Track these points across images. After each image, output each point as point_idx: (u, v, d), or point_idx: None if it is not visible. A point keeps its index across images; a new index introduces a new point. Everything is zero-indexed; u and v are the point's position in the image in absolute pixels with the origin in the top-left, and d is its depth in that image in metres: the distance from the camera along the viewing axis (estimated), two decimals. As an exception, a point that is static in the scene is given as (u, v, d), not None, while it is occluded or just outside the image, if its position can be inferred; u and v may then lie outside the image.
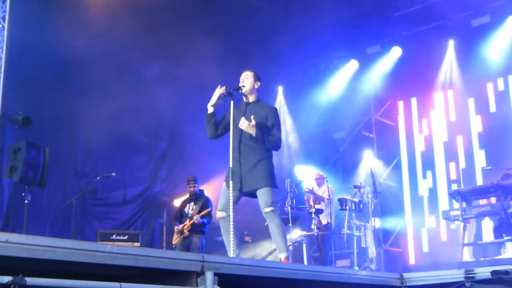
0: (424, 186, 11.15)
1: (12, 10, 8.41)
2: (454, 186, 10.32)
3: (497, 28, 10.46)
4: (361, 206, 9.36)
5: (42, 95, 9.34)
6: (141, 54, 10.28)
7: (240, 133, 4.98)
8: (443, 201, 10.58)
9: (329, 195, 9.08)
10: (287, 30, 11.21)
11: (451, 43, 11.12)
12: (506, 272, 3.93)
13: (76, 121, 9.99)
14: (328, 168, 11.87)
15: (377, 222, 10.34)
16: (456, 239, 8.57)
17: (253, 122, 4.89)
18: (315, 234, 8.93)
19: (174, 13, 9.84)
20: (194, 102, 10.61)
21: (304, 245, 9.14)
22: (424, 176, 11.21)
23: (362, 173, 11.79)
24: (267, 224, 4.99)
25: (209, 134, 5.17)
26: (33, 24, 8.77)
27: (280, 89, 13.19)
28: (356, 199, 9.34)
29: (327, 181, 9.35)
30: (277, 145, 5.03)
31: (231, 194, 4.81)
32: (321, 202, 9.19)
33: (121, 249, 2.76)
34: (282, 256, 4.83)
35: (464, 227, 7.68)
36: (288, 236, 8.72)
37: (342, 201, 9.15)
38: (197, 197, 8.37)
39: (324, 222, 9.05)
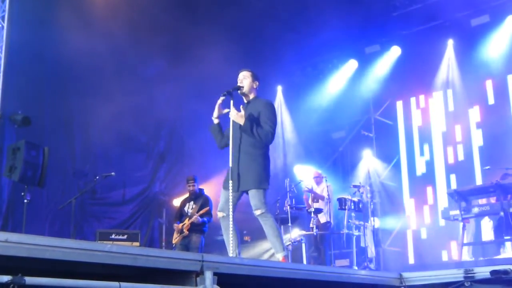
0: (424, 185, 11.16)
1: (12, 10, 8.41)
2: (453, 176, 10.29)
3: (496, 28, 10.47)
4: (360, 205, 9.36)
5: (42, 95, 9.33)
6: (141, 54, 10.28)
7: (240, 133, 4.99)
8: (442, 201, 10.58)
9: (328, 194, 9.08)
10: (286, 30, 11.22)
11: (450, 43, 11.13)
12: (505, 272, 3.93)
13: (76, 120, 9.99)
14: (328, 168, 11.88)
15: (376, 222, 10.34)
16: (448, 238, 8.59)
17: (242, 112, 4.92)
18: (314, 233, 8.93)
19: (173, 14, 9.83)
20: (193, 101, 10.63)
21: (303, 245, 9.13)
22: (425, 175, 11.22)
23: (362, 173, 11.80)
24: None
25: (218, 145, 5.20)
26: (33, 23, 8.76)
27: (279, 88, 13.19)
28: (355, 199, 9.34)
29: (326, 179, 9.34)
30: (267, 137, 4.94)
31: (230, 195, 4.82)
32: (320, 201, 9.18)
33: (121, 249, 2.76)
34: (280, 256, 4.83)
35: (464, 227, 7.68)
36: (288, 236, 8.73)
37: (341, 201, 9.15)
38: (197, 196, 8.38)
39: (323, 220, 9.04)
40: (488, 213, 7.62)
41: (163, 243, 10.59)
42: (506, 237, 7.50)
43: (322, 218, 9.10)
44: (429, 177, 11.14)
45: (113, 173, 8.46)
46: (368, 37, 11.62)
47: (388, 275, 4.59)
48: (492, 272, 4.00)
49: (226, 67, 9.09)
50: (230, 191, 4.81)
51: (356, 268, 8.71)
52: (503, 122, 10.19)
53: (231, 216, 4.81)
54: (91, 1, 9.51)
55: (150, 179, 11.13)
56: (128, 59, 10.06)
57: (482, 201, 7.96)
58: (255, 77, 5.18)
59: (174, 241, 8.24)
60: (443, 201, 10.43)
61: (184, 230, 8.07)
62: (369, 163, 11.81)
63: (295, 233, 9.24)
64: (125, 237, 8.86)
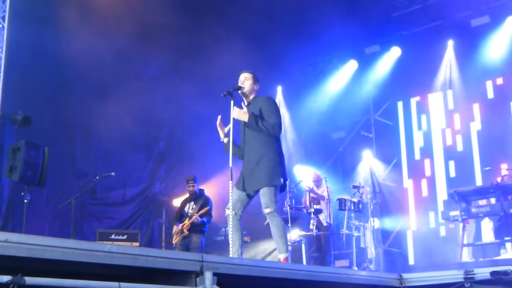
0: (425, 186, 11.16)
1: (12, 10, 8.41)
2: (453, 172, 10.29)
3: (497, 28, 10.47)
4: (360, 206, 9.35)
5: (42, 95, 9.32)
6: (141, 54, 10.29)
7: (244, 134, 5.00)
8: (442, 201, 10.59)
9: (328, 195, 9.08)
10: (286, 30, 11.21)
11: (450, 43, 11.13)
12: (505, 273, 3.93)
13: (76, 121, 9.99)
14: (327, 168, 11.88)
15: (376, 222, 10.34)
16: (454, 238, 8.59)
17: (245, 109, 4.93)
18: (314, 234, 8.93)
19: (174, 15, 9.83)
20: (193, 102, 10.63)
21: (303, 245, 9.13)
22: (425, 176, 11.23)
23: (361, 173, 11.79)
24: (267, 223, 4.99)
25: (240, 158, 5.10)
26: (33, 23, 8.76)
27: (279, 89, 13.19)
28: (355, 199, 9.33)
29: (326, 180, 9.35)
30: (274, 128, 4.91)
31: (230, 195, 4.83)
32: (321, 201, 9.18)
33: (120, 249, 2.76)
34: (282, 257, 4.83)
35: (464, 228, 7.68)
36: (287, 236, 8.72)
37: (341, 201, 9.14)
38: (197, 196, 8.37)
39: (325, 223, 9.03)
40: (488, 214, 7.62)
41: (163, 243, 10.59)
42: (506, 238, 7.50)
43: (324, 220, 9.09)
44: (430, 177, 11.14)
45: (113, 173, 8.45)
46: (368, 37, 11.62)
47: (388, 276, 4.58)
48: (493, 273, 4.00)
49: (226, 67, 9.09)
50: (230, 191, 4.83)
51: (356, 268, 8.70)
52: (503, 122, 10.19)
53: (231, 217, 4.82)
54: (91, 1, 9.51)
55: (150, 179, 11.13)
56: (129, 59, 10.06)
57: (482, 202, 7.97)
58: (256, 79, 5.21)
59: (174, 242, 8.23)
60: (443, 201, 10.45)
61: (184, 230, 8.07)
62: (369, 164, 11.81)
63: (295, 233, 9.23)
64: (125, 237, 8.86)
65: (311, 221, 8.90)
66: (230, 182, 4.84)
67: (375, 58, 11.94)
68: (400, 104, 11.84)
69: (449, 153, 10.97)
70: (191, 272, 3.00)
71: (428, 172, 11.18)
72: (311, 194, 9.18)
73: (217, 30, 10.60)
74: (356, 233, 9.23)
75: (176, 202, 10.13)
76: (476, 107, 10.72)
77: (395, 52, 11.69)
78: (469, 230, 8.13)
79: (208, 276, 2.98)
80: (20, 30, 8.51)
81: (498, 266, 4.17)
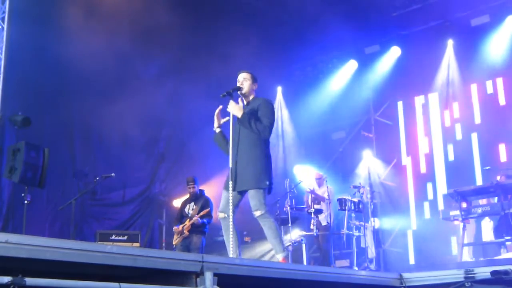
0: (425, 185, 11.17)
1: (12, 11, 8.41)
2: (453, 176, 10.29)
3: (497, 28, 10.47)
4: (360, 206, 9.35)
5: (42, 96, 9.33)
6: (141, 54, 10.28)
7: (238, 132, 5.00)
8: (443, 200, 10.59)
9: (328, 196, 9.08)
10: (286, 30, 11.21)
11: (450, 43, 11.13)
12: (506, 272, 3.92)
13: (76, 121, 9.99)
14: (327, 168, 11.87)
15: (376, 222, 10.34)
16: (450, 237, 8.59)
17: (240, 104, 4.97)
18: (315, 234, 8.93)
19: (173, 15, 9.83)
20: (193, 102, 10.63)
21: (303, 245, 9.13)
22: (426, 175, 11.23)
23: (362, 173, 11.79)
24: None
25: (225, 152, 5.11)
26: (33, 24, 8.76)
27: (279, 89, 13.19)
28: (355, 199, 9.34)
29: (326, 181, 9.35)
30: (264, 131, 4.92)
31: (230, 195, 4.82)
32: (322, 202, 9.18)
33: (121, 250, 2.76)
34: (280, 257, 4.82)
35: (464, 227, 7.68)
36: (288, 237, 8.73)
37: (341, 201, 9.14)
38: (197, 197, 8.36)
39: (324, 223, 9.05)
40: (488, 214, 7.62)
41: (163, 244, 10.59)
42: (506, 237, 7.49)
43: (323, 220, 9.09)
44: (429, 176, 11.14)
45: (113, 174, 8.44)
46: (368, 37, 11.62)
47: (388, 276, 4.58)
48: (493, 273, 3.99)
49: (226, 67, 9.10)
50: (230, 191, 4.82)
51: (356, 268, 8.71)
52: (504, 122, 10.19)
53: (231, 217, 4.81)
54: (91, 2, 9.51)
55: (150, 180, 11.13)
56: (129, 60, 10.06)
57: (483, 201, 7.96)
58: (254, 79, 5.22)
59: (174, 242, 8.23)
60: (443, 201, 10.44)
61: (184, 231, 8.06)
62: (369, 164, 11.81)
63: (295, 233, 9.23)
64: (125, 238, 8.86)
65: (312, 221, 8.92)
66: (231, 182, 4.84)
67: (375, 58, 11.94)
68: (400, 104, 11.84)
69: (449, 152, 10.97)
70: (192, 272, 3.00)
71: (428, 167, 11.19)
72: (312, 195, 9.19)
73: (217, 30, 10.60)
74: (356, 233, 9.24)
75: (177, 203, 10.12)
76: (476, 107, 10.72)
77: (395, 52, 11.69)
78: (469, 229, 8.13)
79: (208, 276, 2.98)
80: (20, 31, 8.51)
81: (498, 265, 4.17)
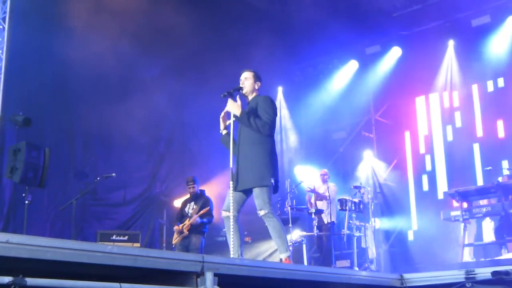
0: (427, 185, 11.16)
1: (13, 11, 8.41)
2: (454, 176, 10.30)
3: (497, 28, 10.46)
4: (361, 206, 9.35)
5: (42, 96, 9.32)
6: (142, 55, 10.28)
7: (240, 132, 5.00)
8: (444, 200, 10.59)
9: (329, 195, 9.08)
10: (286, 30, 11.21)
11: (451, 43, 11.13)
12: (507, 273, 3.92)
13: (76, 121, 9.99)
14: (328, 168, 11.78)
15: (377, 223, 10.34)
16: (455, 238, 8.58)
17: (239, 102, 4.93)
18: (315, 234, 8.93)
19: (172, 15, 9.83)
20: (194, 102, 10.63)
21: (304, 246, 9.13)
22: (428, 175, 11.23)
23: (362, 174, 11.79)
24: None
25: (234, 153, 5.09)
26: (34, 24, 8.77)
27: (280, 89, 13.19)
28: (356, 200, 9.34)
29: (328, 179, 9.39)
30: (264, 127, 4.87)
31: (231, 194, 4.82)
32: (324, 200, 9.20)
33: (121, 250, 2.76)
34: (283, 256, 4.80)
35: (465, 228, 7.68)
36: (288, 237, 8.72)
37: (342, 202, 9.15)
38: (198, 197, 8.36)
39: (325, 221, 9.03)
40: (489, 214, 7.62)
41: (164, 244, 10.58)
42: (507, 238, 7.49)
43: (325, 218, 9.10)
44: (431, 177, 11.13)
45: (113, 174, 8.44)
46: (369, 37, 11.62)
47: (389, 276, 4.58)
48: (494, 273, 3.99)
49: (226, 68, 9.09)
50: (231, 190, 4.82)
51: (357, 269, 8.70)
52: (504, 122, 10.19)
53: (231, 217, 4.81)
54: (91, 2, 9.51)
55: (150, 180, 11.12)
56: (129, 60, 10.06)
57: (483, 201, 7.96)
58: (257, 78, 5.18)
59: (174, 241, 8.23)
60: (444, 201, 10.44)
61: (184, 231, 8.07)
62: (369, 164, 11.81)
63: (296, 234, 9.23)
64: (125, 238, 8.86)
65: (314, 222, 8.94)
66: (231, 182, 4.84)
67: (375, 58, 11.94)
68: (400, 104, 11.83)
69: (450, 152, 10.96)
70: (192, 272, 3.00)
71: (429, 167, 11.21)
72: (314, 195, 9.21)
73: (217, 31, 10.60)
74: (357, 234, 9.24)
75: (177, 203, 10.13)
76: (477, 107, 10.72)
77: (395, 52, 11.69)
78: (470, 230, 8.13)
79: (209, 276, 2.98)
80: (21, 31, 8.52)
81: (499, 266, 4.17)
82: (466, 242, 7.83)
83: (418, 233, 10.92)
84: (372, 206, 9.88)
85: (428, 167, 11.23)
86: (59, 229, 9.23)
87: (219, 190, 9.72)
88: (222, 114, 5.12)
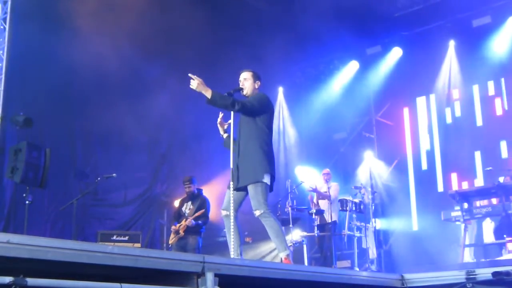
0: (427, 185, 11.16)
1: (13, 12, 8.42)
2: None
3: (498, 29, 10.46)
4: (361, 207, 9.36)
5: (43, 96, 9.32)
6: (142, 55, 10.29)
7: (239, 130, 5.01)
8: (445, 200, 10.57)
9: (329, 194, 9.08)
10: (286, 30, 11.21)
11: (451, 44, 11.13)
12: (507, 273, 3.93)
13: (77, 121, 9.99)
14: (329, 169, 11.86)
15: (377, 223, 10.33)
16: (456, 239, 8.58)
17: (201, 79, 4.93)
18: (316, 235, 8.93)
19: (172, 15, 9.84)
20: (195, 102, 10.61)
21: (304, 246, 9.13)
22: (427, 176, 11.22)
23: (363, 174, 11.79)
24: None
25: (234, 151, 5.08)
26: (34, 25, 8.77)
27: (280, 90, 13.19)
28: (356, 200, 9.34)
29: (330, 178, 9.40)
30: (236, 104, 4.80)
31: (231, 194, 4.83)
32: (326, 199, 9.20)
33: (122, 250, 2.76)
34: (282, 255, 4.78)
35: (465, 228, 7.67)
36: (289, 237, 8.72)
37: (342, 202, 9.15)
38: (195, 196, 8.31)
39: (329, 219, 9.02)
40: (490, 214, 7.61)
41: (165, 244, 10.58)
42: (507, 238, 7.49)
43: (328, 217, 9.08)
44: (431, 177, 11.12)
45: (114, 174, 8.44)
46: (370, 38, 11.61)
47: (389, 277, 4.58)
48: (494, 274, 4.00)
49: (226, 68, 9.09)
50: (231, 190, 4.82)
51: (357, 269, 8.70)
52: (504, 122, 10.18)
53: (232, 216, 4.81)
54: (92, 3, 9.52)
55: (151, 180, 11.12)
56: (129, 60, 10.06)
57: (484, 202, 7.95)
58: (256, 77, 5.17)
59: (170, 242, 8.19)
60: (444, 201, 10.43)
61: (180, 231, 8.02)
62: (370, 165, 11.80)
63: (296, 234, 9.23)
64: (126, 238, 8.87)
65: (315, 222, 8.95)
66: (232, 182, 4.84)
67: (376, 58, 11.94)
68: (401, 105, 11.83)
69: (450, 151, 10.96)
70: (193, 273, 3.00)
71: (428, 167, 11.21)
72: (316, 194, 9.21)
73: (218, 31, 10.60)
74: (357, 234, 9.24)
75: (177, 203, 10.14)
76: (477, 107, 10.71)
77: (396, 53, 11.69)
78: (470, 230, 8.12)
79: (209, 277, 2.98)
80: (22, 31, 8.52)
81: (499, 266, 4.17)
82: (466, 243, 7.82)
83: (419, 234, 10.91)
84: (373, 207, 9.89)
85: (428, 167, 11.21)
86: (60, 230, 9.23)
87: (220, 190, 9.71)
88: (219, 119, 5.13)
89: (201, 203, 8.19)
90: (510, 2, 10.17)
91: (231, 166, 4.88)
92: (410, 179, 11.45)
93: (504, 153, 10.08)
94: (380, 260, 10.18)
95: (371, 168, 11.75)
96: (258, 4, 10.74)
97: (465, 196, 7.62)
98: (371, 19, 10.89)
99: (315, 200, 9.34)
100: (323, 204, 9.23)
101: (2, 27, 8.45)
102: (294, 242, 8.68)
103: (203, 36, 10.58)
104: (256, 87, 5.16)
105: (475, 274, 4.13)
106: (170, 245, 8.17)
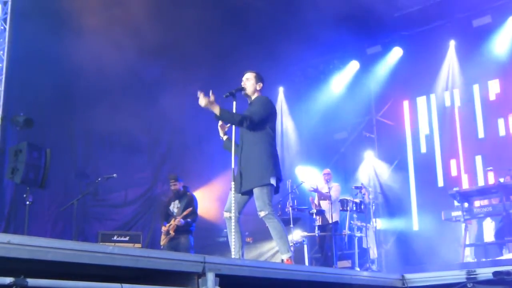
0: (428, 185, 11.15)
1: (14, 12, 8.42)
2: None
3: (498, 28, 10.45)
4: (362, 207, 9.35)
5: (44, 97, 9.34)
6: (142, 56, 10.29)
7: (242, 136, 5.00)
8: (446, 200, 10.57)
9: (329, 194, 9.08)
10: (287, 30, 11.21)
11: (452, 44, 11.12)
12: (508, 273, 3.92)
13: (77, 122, 10.00)
14: (329, 169, 11.86)
15: (378, 223, 10.33)
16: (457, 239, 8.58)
17: (212, 98, 4.86)
18: (317, 235, 8.93)
19: (172, 15, 9.84)
20: (195, 102, 10.60)
21: (305, 246, 9.13)
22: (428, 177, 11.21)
23: (363, 174, 11.78)
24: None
25: (236, 154, 5.08)
26: (35, 25, 8.77)
27: (280, 90, 13.19)
28: (357, 200, 9.34)
29: (330, 179, 9.41)
30: (242, 121, 4.82)
31: (232, 195, 4.83)
32: (327, 199, 9.20)
33: (122, 250, 2.76)
34: (284, 257, 4.79)
35: (466, 228, 7.67)
36: (289, 237, 8.71)
37: (343, 202, 9.15)
38: (181, 194, 8.25)
39: (330, 220, 9.01)
40: (490, 214, 7.61)
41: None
42: (508, 238, 7.48)
43: (329, 217, 9.07)
44: (431, 178, 11.11)
45: (115, 175, 8.45)
46: (370, 38, 11.61)
47: (390, 277, 4.58)
48: (495, 273, 3.99)
49: (227, 68, 9.10)
50: (233, 191, 4.82)
51: (358, 269, 8.70)
52: (505, 123, 10.18)
53: (233, 218, 4.81)
54: (92, 3, 9.52)
55: (151, 181, 11.12)
56: (129, 60, 10.06)
57: (484, 202, 7.94)
58: (258, 79, 5.18)
59: (161, 243, 8.15)
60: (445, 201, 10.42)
61: (170, 232, 7.97)
62: (371, 164, 11.80)
63: (297, 234, 9.23)
64: (127, 238, 8.88)
65: (316, 222, 8.95)
66: (233, 183, 4.84)
67: (376, 58, 11.93)
68: (401, 105, 11.83)
69: (451, 152, 10.96)
70: (193, 273, 3.00)
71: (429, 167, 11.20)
72: (317, 194, 9.21)
73: (218, 32, 10.60)
74: (358, 234, 9.23)
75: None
76: (478, 107, 10.71)
77: (396, 53, 11.68)
78: (471, 230, 8.11)
79: (210, 277, 2.98)
80: (22, 31, 8.53)
81: (500, 266, 4.17)
82: (467, 242, 7.82)
83: (419, 233, 10.90)
84: (373, 207, 9.88)
85: (430, 166, 11.20)
86: (60, 230, 9.24)
87: (221, 191, 9.73)
88: (220, 122, 5.13)
89: (189, 201, 8.12)
90: (510, 2, 10.16)
91: (232, 167, 4.88)
92: (410, 179, 11.44)
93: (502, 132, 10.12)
94: (380, 260, 10.18)
95: (372, 168, 11.74)
96: (258, 4, 10.73)
97: (465, 196, 7.62)
98: (371, 19, 10.88)
99: (316, 201, 9.33)
100: (325, 204, 9.22)
101: (2, 27, 8.46)
102: (294, 242, 8.68)
103: (203, 36, 10.59)
104: (258, 88, 5.16)
105: (476, 274, 4.13)
106: (161, 247, 8.10)
